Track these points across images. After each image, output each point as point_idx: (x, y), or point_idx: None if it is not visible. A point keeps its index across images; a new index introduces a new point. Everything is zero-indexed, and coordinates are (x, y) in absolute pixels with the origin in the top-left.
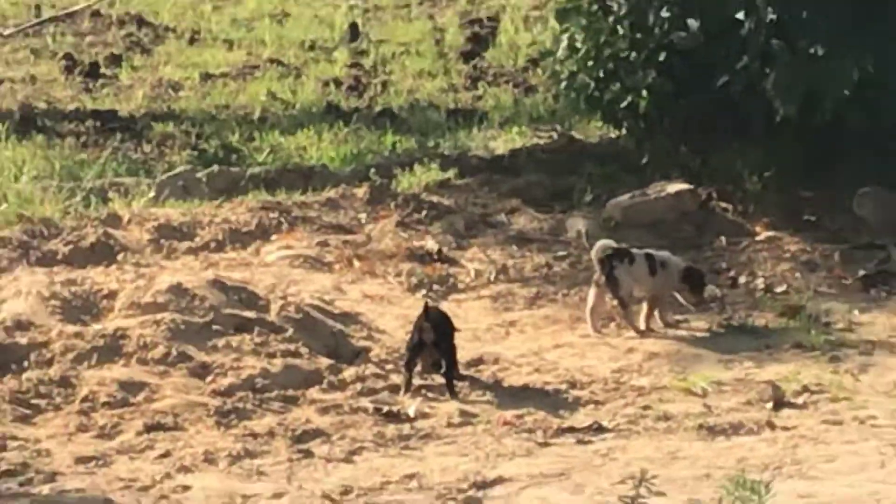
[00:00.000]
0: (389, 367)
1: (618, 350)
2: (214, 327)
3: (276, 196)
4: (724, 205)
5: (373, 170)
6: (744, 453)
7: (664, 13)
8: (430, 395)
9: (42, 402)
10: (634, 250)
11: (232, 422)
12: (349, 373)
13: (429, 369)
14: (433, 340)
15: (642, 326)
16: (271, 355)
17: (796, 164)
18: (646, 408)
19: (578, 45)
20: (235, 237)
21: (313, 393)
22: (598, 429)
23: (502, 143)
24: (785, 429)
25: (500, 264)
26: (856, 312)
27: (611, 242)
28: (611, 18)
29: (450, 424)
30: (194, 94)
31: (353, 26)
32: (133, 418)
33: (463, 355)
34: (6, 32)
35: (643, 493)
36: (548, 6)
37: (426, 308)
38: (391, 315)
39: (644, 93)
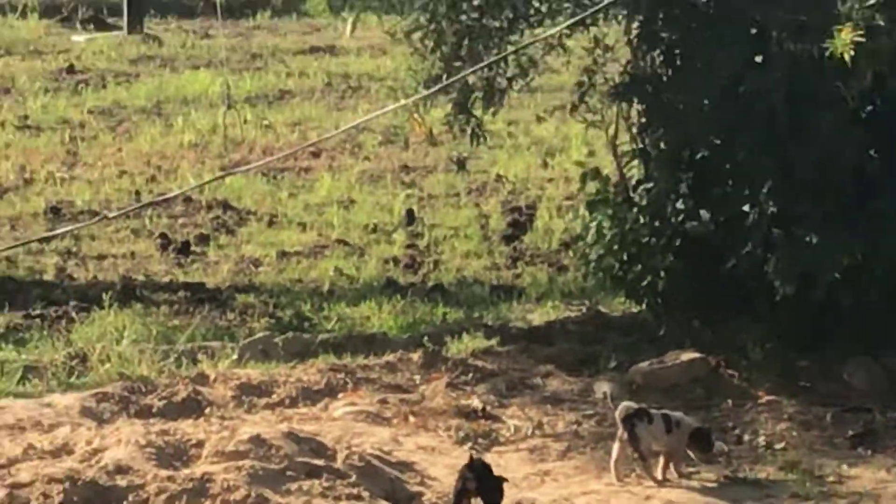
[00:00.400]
0: None
1: (638, 497)
2: (288, 473)
3: (343, 359)
4: (730, 371)
5: (426, 337)
6: None
7: (679, 205)
8: None
9: None
10: (653, 411)
11: None
12: None
13: None
14: (476, 487)
15: (659, 477)
16: (337, 498)
17: (794, 336)
18: None
19: (605, 231)
20: (307, 395)
21: None
22: None
23: (538, 315)
24: None
25: (536, 421)
26: (845, 467)
27: (632, 404)
28: (634, 209)
29: None
30: (272, 269)
31: (410, 212)
32: None
33: (504, 500)
34: (111, 215)
35: None
36: (578, 197)
37: (470, 459)
38: (441, 464)
39: (662, 274)
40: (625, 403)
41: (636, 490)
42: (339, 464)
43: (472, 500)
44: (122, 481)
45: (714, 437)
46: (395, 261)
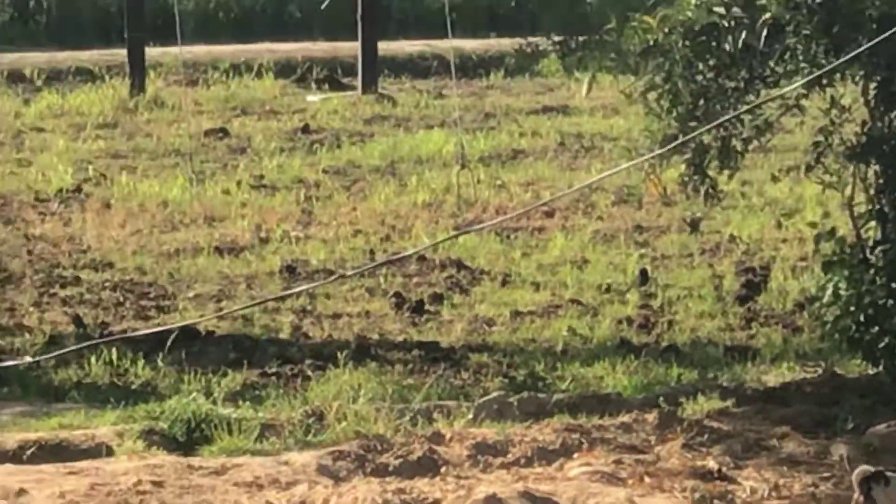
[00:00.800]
0: None
1: None
2: None
3: (578, 419)
4: None
5: (661, 398)
6: None
7: None
8: None
9: None
10: (889, 474)
11: None
12: None
13: None
14: None
15: None
16: None
17: None
18: None
19: (841, 292)
20: (542, 454)
21: None
22: None
23: (773, 376)
24: None
25: (773, 483)
26: None
27: (869, 467)
28: (871, 270)
29: None
30: (505, 328)
31: (643, 272)
32: None
33: None
34: (347, 274)
35: None
36: (813, 258)
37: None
38: None
39: None
40: (862, 467)
41: None
42: None
43: None
44: None
45: None
46: (629, 321)
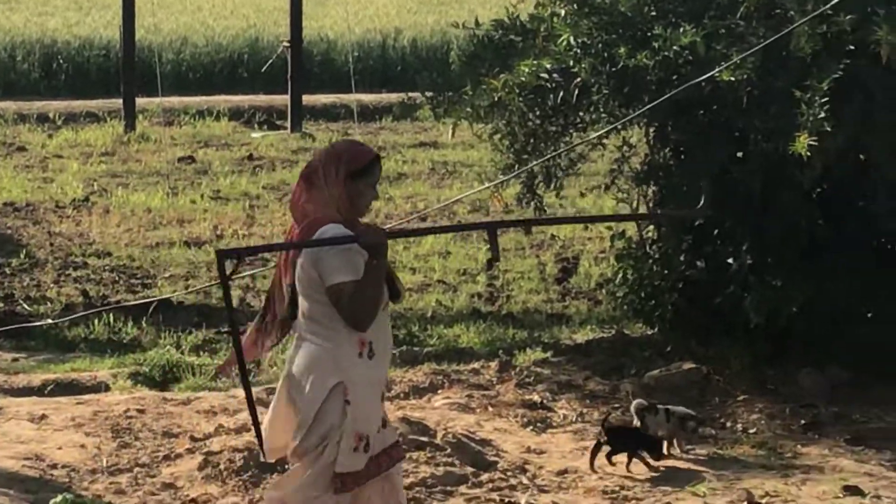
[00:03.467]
0: (509, 473)
1: (651, 467)
2: (403, 446)
3: (441, 366)
4: (717, 378)
5: (501, 351)
6: None
7: (682, 258)
8: (535, 492)
9: None
10: (659, 405)
11: None
12: (485, 477)
13: None
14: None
15: (665, 453)
16: (437, 464)
17: (763, 353)
18: None
19: (629, 276)
20: (416, 391)
21: (462, 489)
22: None
23: (581, 335)
24: None
25: (579, 411)
26: (799, 446)
27: (643, 401)
28: (650, 261)
29: None
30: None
31: (490, 261)
32: None
33: (554, 466)
34: (275, 263)
35: None
36: (610, 251)
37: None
38: (511, 441)
39: (670, 307)
40: (638, 400)
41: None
42: (438, 440)
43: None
44: None
45: (697, 424)
46: (479, 295)
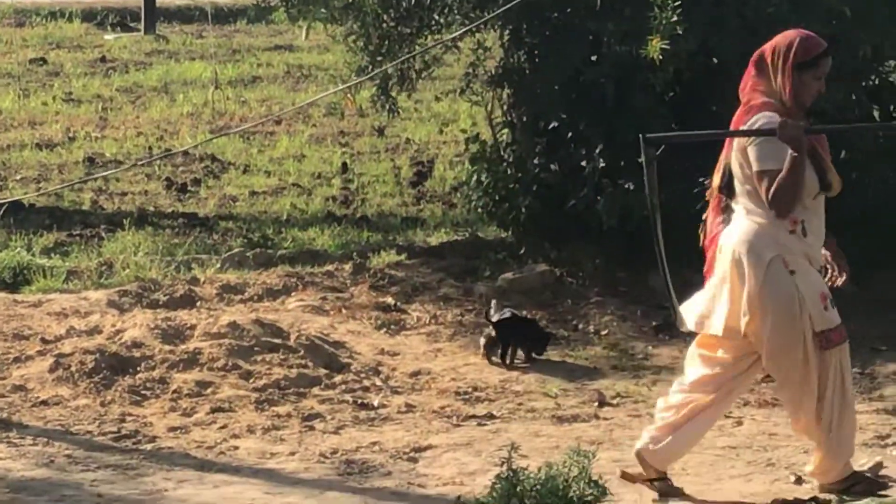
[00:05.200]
0: (362, 375)
1: (503, 369)
2: (256, 348)
3: (296, 269)
4: (570, 280)
5: (355, 253)
6: (580, 434)
7: (536, 161)
8: (388, 393)
9: (148, 393)
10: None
11: (265, 407)
12: (338, 378)
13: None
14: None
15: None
16: (290, 366)
17: (616, 255)
18: (520, 404)
19: (483, 179)
20: (270, 293)
21: (315, 390)
22: (491, 416)
23: (435, 238)
24: (605, 419)
25: (433, 313)
26: (650, 348)
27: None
28: (504, 164)
29: (399, 412)
30: (246, 204)
31: (344, 164)
32: (204, 403)
33: (408, 368)
34: (129, 165)
35: (514, 457)
36: (464, 155)
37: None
38: (364, 343)
39: (523, 210)
40: (493, 302)
41: (502, 367)
42: (291, 342)
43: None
44: (137, 353)
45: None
46: (334, 199)
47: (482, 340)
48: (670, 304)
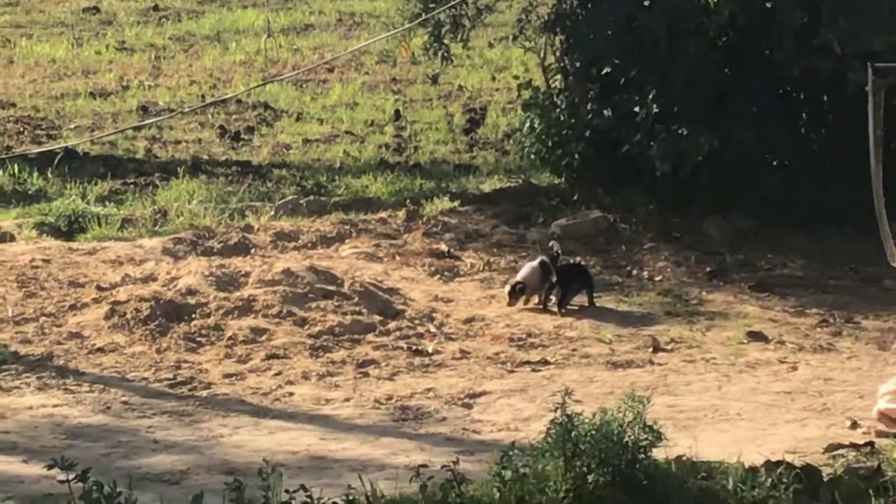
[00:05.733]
0: (417, 322)
1: (556, 315)
2: (310, 295)
3: (349, 216)
4: (623, 226)
5: (408, 200)
6: (634, 379)
7: (589, 107)
8: (442, 339)
9: (203, 340)
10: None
11: (319, 354)
12: (392, 325)
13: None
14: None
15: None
16: (344, 313)
17: (669, 201)
18: (574, 350)
19: (536, 126)
20: (323, 240)
21: (370, 337)
22: (545, 362)
23: (488, 185)
24: (660, 364)
25: (486, 259)
26: (704, 293)
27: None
28: (556, 110)
29: (453, 358)
30: (299, 152)
31: (397, 112)
32: (259, 350)
33: (462, 315)
34: (185, 110)
35: (569, 403)
36: (517, 102)
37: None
38: (418, 290)
39: (576, 156)
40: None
41: (553, 309)
42: (346, 289)
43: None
44: (191, 300)
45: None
46: (387, 146)
47: (507, 289)
48: (883, 238)
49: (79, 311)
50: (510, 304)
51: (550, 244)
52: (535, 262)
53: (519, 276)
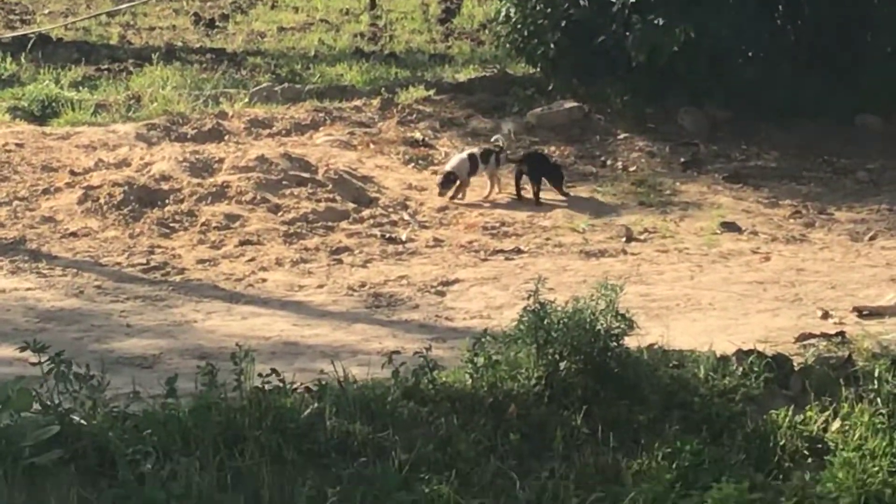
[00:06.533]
0: (390, 210)
1: (531, 203)
2: (284, 182)
3: (323, 103)
4: (598, 116)
5: (383, 89)
6: (607, 268)
7: None
8: (416, 227)
9: (176, 226)
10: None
11: (293, 240)
12: (366, 213)
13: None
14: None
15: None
16: (318, 200)
17: (644, 92)
18: (547, 239)
19: (512, 15)
20: (297, 128)
21: (343, 224)
22: (518, 251)
23: (463, 75)
24: (633, 254)
25: (460, 147)
26: (678, 184)
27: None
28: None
29: (427, 246)
30: (274, 40)
31: (372, 1)
32: (232, 237)
33: (435, 203)
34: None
35: (542, 291)
36: None
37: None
38: (392, 178)
39: (552, 46)
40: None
41: (528, 198)
42: (320, 176)
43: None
44: (165, 186)
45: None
46: (362, 35)
47: (438, 178)
48: None
49: (52, 195)
50: (440, 193)
51: (494, 137)
52: (465, 154)
53: (448, 167)
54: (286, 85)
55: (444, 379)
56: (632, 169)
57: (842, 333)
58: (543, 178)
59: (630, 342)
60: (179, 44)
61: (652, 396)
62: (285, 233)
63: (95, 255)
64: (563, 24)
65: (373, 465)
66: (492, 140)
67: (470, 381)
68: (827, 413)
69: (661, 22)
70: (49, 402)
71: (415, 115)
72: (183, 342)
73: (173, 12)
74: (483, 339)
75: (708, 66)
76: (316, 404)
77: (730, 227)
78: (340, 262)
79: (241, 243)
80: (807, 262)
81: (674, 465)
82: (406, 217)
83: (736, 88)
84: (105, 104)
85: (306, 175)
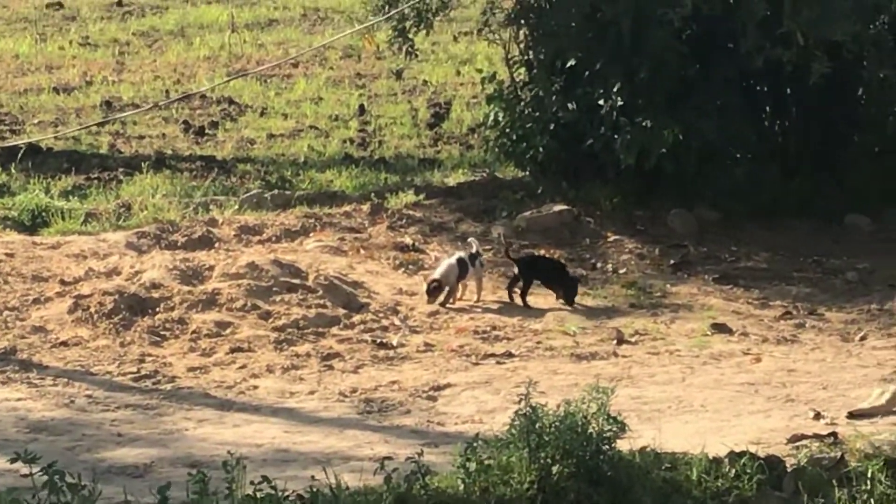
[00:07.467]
0: (381, 315)
1: (521, 308)
2: (274, 288)
3: (314, 209)
4: (588, 219)
5: (373, 194)
6: (598, 371)
7: (553, 100)
8: (407, 332)
9: (167, 334)
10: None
11: (284, 347)
12: (357, 318)
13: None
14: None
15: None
16: (309, 307)
17: (633, 194)
18: (538, 343)
19: (500, 119)
20: (287, 234)
21: (334, 330)
22: (509, 355)
23: (453, 179)
24: (624, 356)
25: (451, 254)
26: (668, 286)
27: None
28: (521, 103)
29: (418, 350)
30: (263, 146)
31: (361, 107)
32: (223, 344)
33: (426, 308)
34: (146, 107)
35: (533, 395)
36: (481, 96)
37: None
38: (382, 283)
39: (541, 149)
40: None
41: (519, 302)
42: (310, 282)
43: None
44: (155, 294)
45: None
46: (351, 140)
47: (424, 287)
48: None
49: (42, 304)
50: (429, 302)
51: (468, 240)
52: (453, 259)
53: (436, 274)
54: (276, 191)
55: (436, 484)
56: (622, 271)
57: (834, 434)
58: (554, 286)
59: (622, 445)
60: (169, 152)
61: (645, 499)
62: (276, 339)
63: (86, 365)
64: (552, 127)
65: None
66: (467, 242)
67: (462, 486)
68: None
69: (648, 124)
70: None
71: (405, 220)
72: (174, 451)
73: (163, 120)
74: (475, 444)
75: (696, 167)
76: None
77: (720, 328)
78: (331, 367)
79: (232, 350)
80: (798, 363)
81: None
82: (397, 322)
83: (724, 189)
84: (95, 213)
85: (297, 281)
